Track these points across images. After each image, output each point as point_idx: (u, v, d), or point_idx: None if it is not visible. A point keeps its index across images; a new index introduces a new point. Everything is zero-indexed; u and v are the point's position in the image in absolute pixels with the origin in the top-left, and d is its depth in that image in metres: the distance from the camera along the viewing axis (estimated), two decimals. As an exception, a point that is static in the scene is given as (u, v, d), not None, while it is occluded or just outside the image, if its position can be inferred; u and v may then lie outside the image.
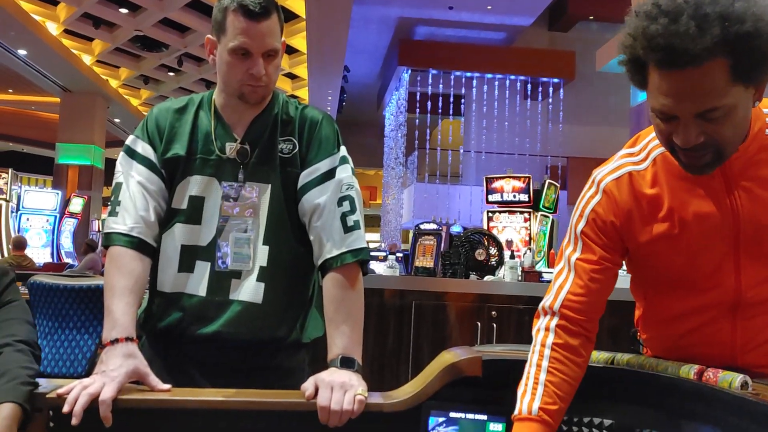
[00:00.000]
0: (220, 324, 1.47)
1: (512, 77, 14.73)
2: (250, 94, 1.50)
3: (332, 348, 1.39)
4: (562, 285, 1.27)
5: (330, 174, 1.52)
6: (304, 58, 12.46)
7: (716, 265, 1.22)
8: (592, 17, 13.97)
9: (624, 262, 1.36)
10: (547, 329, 1.25)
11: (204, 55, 11.44)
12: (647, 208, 1.24)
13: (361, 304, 1.47)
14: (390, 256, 5.60)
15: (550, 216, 8.63)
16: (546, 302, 1.28)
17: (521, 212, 8.57)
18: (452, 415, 1.27)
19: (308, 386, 1.27)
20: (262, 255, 1.51)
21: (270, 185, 1.53)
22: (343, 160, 1.55)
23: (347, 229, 1.48)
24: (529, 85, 15.02)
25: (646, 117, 7.06)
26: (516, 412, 1.19)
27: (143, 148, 1.52)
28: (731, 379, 1.08)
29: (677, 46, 1.02)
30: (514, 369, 1.31)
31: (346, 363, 1.35)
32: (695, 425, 1.14)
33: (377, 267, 5.63)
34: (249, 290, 1.49)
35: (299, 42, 11.84)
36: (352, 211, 1.50)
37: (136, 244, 1.45)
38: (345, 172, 1.53)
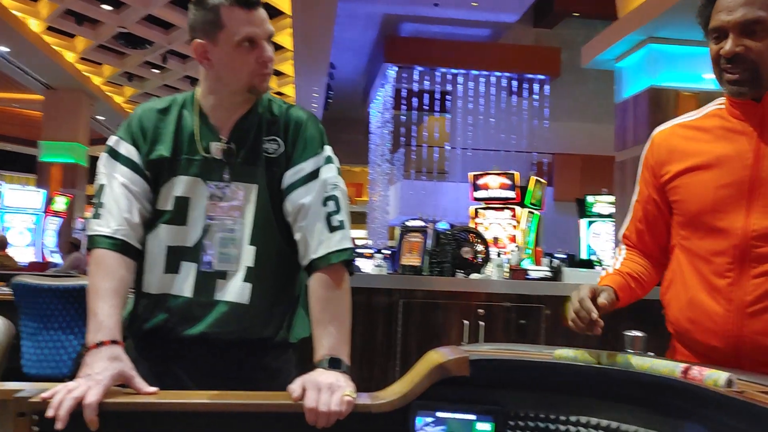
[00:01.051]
0: (207, 324, 1.47)
1: (498, 74, 14.76)
2: (261, 84, 1.51)
3: (319, 349, 1.38)
4: (625, 222, 1.62)
5: (314, 174, 1.51)
6: (290, 55, 12.41)
7: (729, 205, 1.35)
8: (577, 14, 14.03)
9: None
10: (618, 250, 1.62)
11: (189, 52, 11.35)
12: (682, 148, 1.45)
13: (348, 303, 1.46)
14: (377, 255, 5.61)
15: (537, 212, 8.66)
16: (619, 234, 1.65)
17: (507, 209, 8.60)
18: (439, 414, 1.27)
19: (295, 387, 1.26)
20: (248, 255, 1.50)
21: (256, 185, 1.52)
22: (328, 160, 1.54)
23: (332, 229, 1.48)
24: (514, 82, 15.06)
25: (631, 112, 7.10)
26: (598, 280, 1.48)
27: (126, 150, 1.51)
28: (717, 378, 1.09)
29: None
30: (502, 368, 1.31)
31: (334, 364, 1.34)
32: (681, 423, 1.15)
33: (365, 265, 5.63)
34: (235, 290, 1.49)
35: (285, 39, 11.79)
36: (337, 210, 1.50)
37: (120, 246, 1.44)
38: (330, 172, 1.53)
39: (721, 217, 1.35)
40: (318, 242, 1.47)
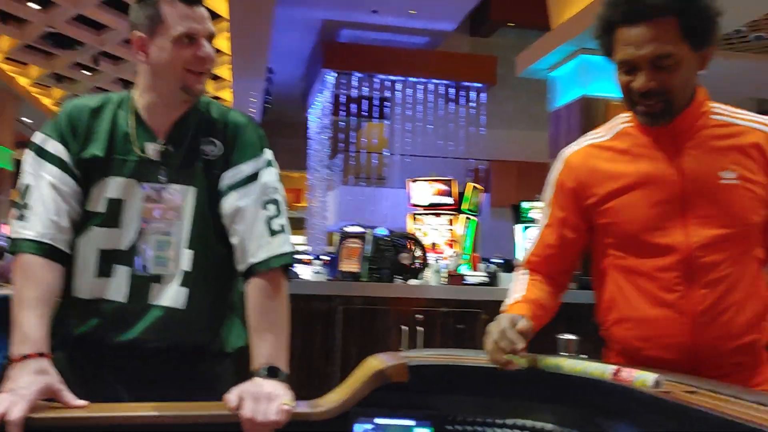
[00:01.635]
0: (140, 330, 1.42)
1: (435, 81, 14.92)
2: (195, 84, 1.47)
3: (257, 357, 1.36)
4: (531, 248, 1.58)
5: (254, 177, 1.49)
6: (227, 58, 12.24)
7: (665, 221, 1.37)
8: (512, 24, 14.32)
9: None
10: (522, 273, 1.57)
11: (122, 54, 11.05)
12: (602, 169, 1.44)
13: (287, 311, 1.44)
14: (316, 261, 5.57)
15: (474, 218, 8.79)
16: (521, 258, 1.60)
17: (445, 215, 8.69)
18: (378, 421, 1.27)
19: (232, 397, 1.24)
20: (185, 259, 1.47)
21: (194, 188, 1.49)
22: (269, 164, 1.52)
23: (273, 233, 1.46)
24: (452, 89, 15.26)
25: (564, 121, 7.29)
26: (503, 306, 1.44)
27: (55, 148, 1.44)
28: (645, 379, 1.12)
29: (637, 3, 1.29)
30: (440, 374, 1.32)
31: (272, 372, 1.33)
32: (613, 424, 1.18)
33: (303, 271, 5.58)
34: (171, 295, 1.45)
35: (222, 43, 11.61)
36: (278, 214, 1.48)
37: (47, 251, 1.38)
38: (270, 176, 1.51)
39: (661, 234, 1.37)
40: (258, 246, 1.44)
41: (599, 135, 1.50)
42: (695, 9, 1.28)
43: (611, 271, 1.47)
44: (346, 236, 4.60)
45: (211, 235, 1.50)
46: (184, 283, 1.46)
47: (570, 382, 1.26)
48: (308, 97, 17.41)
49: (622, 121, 1.47)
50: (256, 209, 1.46)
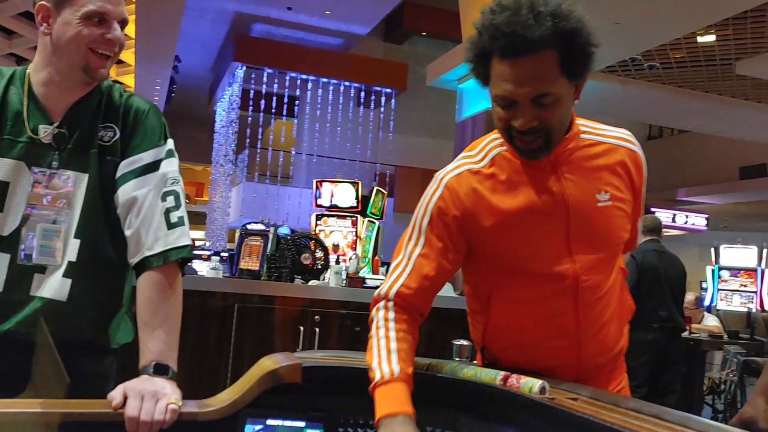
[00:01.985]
0: (16, 321, 1.34)
1: (347, 83, 14.94)
2: (98, 67, 1.39)
3: (145, 354, 1.30)
4: (398, 277, 1.39)
5: (154, 166, 1.43)
6: (132, 42, 11.77)
7: (553, 250, 1.35)
8: (425, 33, 14.56)
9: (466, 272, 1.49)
10: (386, 308, 1.36)
11: (15, 27, 10.38)
12: (486, 200, 1.36)
13: (180, 306, 1.39)
14: (214, 257, 5.44)
15: (377, 222, 8.85)
16: (382, 290, 1.39)
17: (349, 217, 8.70)
18: (269, 422, 1.25)
19: (116, 395, 1.19)
20: (72, 249, 1.39)
21: (87, 175, 1.41)
22: (170, 153, 1.46)
23: (171, 226, 1.40)
24: (362, 93, 15.33)
25: (470, 132, 7.48)
26: (377, 379, 1.23)
27: None
28: (531, 385, 1.16)
29: (518, 33, 1.21)
30: (334, 375, 1.32)
31: (160, 370, 1.28)
32: (503, 428, 1.22)
33: (200, 267, 5.44)
34: (53, 286, 1.37)
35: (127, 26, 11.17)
36: (177, 206, 1.42)
37: None
38: (171, 166, 1.45)
39: (549, 263, 1.35)
40: (154, 238, 1.38)
41: (475, 159, 1.41)
42: (575, 43, 1.24)
43: (497, 300, 1.43)
44: (247, 233, 4.52)
45: (102, 225, 1.43)
46: (67, 274, 1.38)
47: (463, 387, 1.29)
48: (216, 89, 17.01)
49: (496, 144, 1.41)
50: (154, 200, 1.40)
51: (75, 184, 1.40)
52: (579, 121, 1.41)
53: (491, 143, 1.42)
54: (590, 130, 1.42)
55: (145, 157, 1.43)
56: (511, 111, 1.28)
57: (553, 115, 1.27)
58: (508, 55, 1.23)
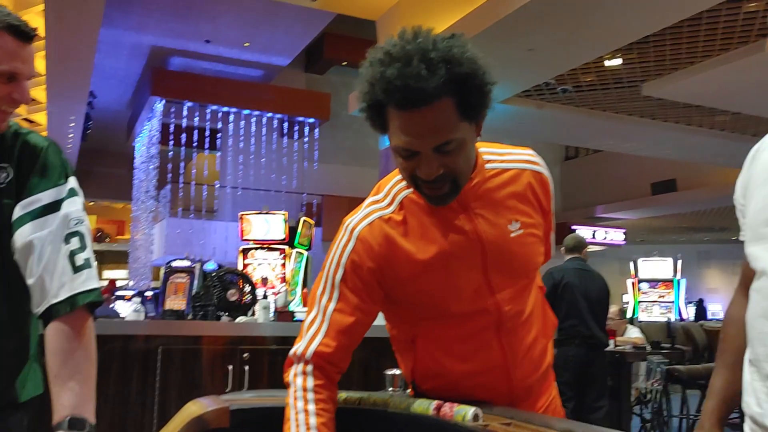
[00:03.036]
0: None
1: (269, 115, 14.85)
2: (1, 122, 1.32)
3: (58, 409, 1.22)
4: (315, 334, 1.30)
5: (54, 206, 1.34)
6: (42, 79, 11.36)
7: (474, 288, 1.32)
8: (345, 63, 14.69)
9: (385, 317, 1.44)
10: (304, 373, 1.28)
11: None
12: (402, 249, 1.31)
13: (93, 354, 1.30)
14: (136, 297, 5.25)
15: (305, 253, 8.77)
16: (298, 349, 1.30)
17: (276, 249, 8.59)
18: (197, 472, 1.19)
19: None
20: None
21: None
22: (72, 192, 1.38)
23: (76, 269, 1.31)
24: (285, 124, 15.27)
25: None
26: None
27: None
28: (465, 413, 1.16)
29: (412, 86, 1.15)
30: (265, 417, 1.28)
31: (75, 425, 1.19)
32: (435, 459, 1.20)
33: (122, 309, 5.23)
34: None
35: (37, 62, 10.78)
36: (83, 248, 1.33)
37: None
38: (74, 206, 1.36)
39: (471, 302, 1.33)
40: (60, 284, 1.29)
41: (383, 205, 1.36)
42: (472, 86, 1.20)
43: (421, 341, 1.40)
44: (172, 271, 4.38)
45: (2, 272, 1.34)
46: None
47: (395, 419, 1.27)
48: (134, 124, 16.59)
49: (402, 187, 1.36)
50: (56, 243, 1.31)
51: None
52: (482, 148, 1.39)
53: (396, 186, 1.37)
54: (495, 157, 1.39)
55: (44, 198, 1.34)
56: (413, 161, 1.23)
57: (458, 159, 1.24)
58: (405, 107, 1.18)
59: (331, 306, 1.31)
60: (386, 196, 1.37)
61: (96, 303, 1.34)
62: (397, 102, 1.18)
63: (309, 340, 1.29)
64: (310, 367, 1.28)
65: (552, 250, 1.54)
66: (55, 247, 1.31)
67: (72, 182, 1.40)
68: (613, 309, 6.63)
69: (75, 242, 1.33)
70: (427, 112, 1.17)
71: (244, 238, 8.75)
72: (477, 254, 1.32)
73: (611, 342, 5.86)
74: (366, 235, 1.32)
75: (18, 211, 1.33)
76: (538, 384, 1.47)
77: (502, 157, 1.40)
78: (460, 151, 1.23)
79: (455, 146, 1.22)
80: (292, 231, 8.64)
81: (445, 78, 1.16)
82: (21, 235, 1.31)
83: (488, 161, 1.37)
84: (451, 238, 1.31)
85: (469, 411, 1.15)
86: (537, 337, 1.43)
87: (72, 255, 1.32)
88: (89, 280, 1.32)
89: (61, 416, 1.20)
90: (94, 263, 1.37)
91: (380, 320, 1.45)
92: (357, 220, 1.35)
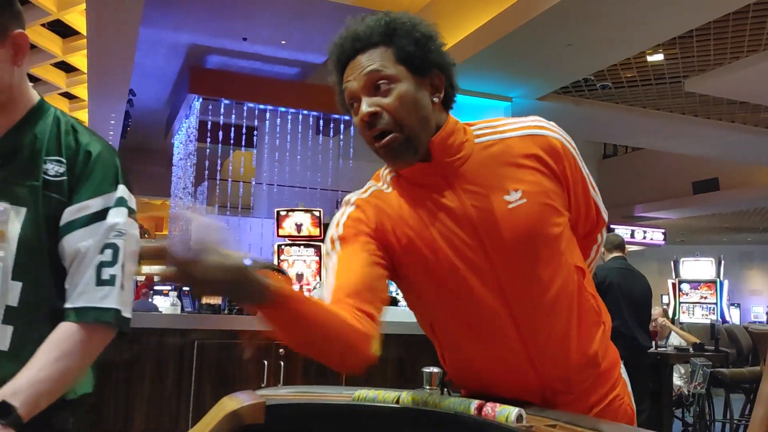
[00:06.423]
0: None
1: (305, 112, 14.93)
2: None
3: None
4: (325, 287, 1.28)
5: (101, 215, 1.31)
6: (84, 77, 11.59)
7: (470, 267, 1.25)
8: (381, 60, 14.68)
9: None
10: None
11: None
12: (396, 220, 1.29)
13: (72, 364, 1.25)
14: (172, 292, 5.30)
15: (340, 250, 8.78)
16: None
17: (312, 246, 8.62)
18: (232, 468, 1.17)
19: None
20: (11, 292, 1.27)
21: (24, 208, 1.29)
22: (120, 202, 1.34)
23: (100, 282, 1.28)
24: (321, 121, 15.33)
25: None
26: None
27: None
28: (508, 414, 1.11)
29: (350, 37, 1.27)
30: (301, 413, 1.25)
31: (2, 410, 1.13)
32: (476, 461, 1.16)
33: (161, 303, 5.30)
34: None
35: (79, 60, 11.00)
36: (113, 263, 1.29)
37: None
38: (119, 216, 1.33)
39: (470, 281, 1.26)
40: (81, 291, 1.27)
41: (378, 185, 1.37)
42: (402, 33, 1.24)
43: (438, 327, 1.37)
44: (207, 267, 4.40)
45: (45, 267, 1.31)
46: (7, 320, 1.27)
47: (435, 418, 1.23)
48: (173, 122, 16.83)
49: (387, 171, 1.37)
50: (93, 252, 1.29)
51: (7, 218, 1.29)
52: (475, 126, 1.33)
53: (385, 170, 1.38)
54: (487, 130, 1.33)
55: (93, 205, 1.31)
56: (357, 111, 1.26)
57: (398, 103, 1.22)
58: (347, 58, 1.27)
59: (334, 258, 1.29)
60: (381, 179, 1.39)
61: (111, 325, 1.29)
62: (338, 57, 1.29)
63: (322, 296, 1.26)
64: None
65: (605, 216, 1.44)
66: (92, 255, 1.29)
67: (121, 191, 1.36)
68: (656, 310, 6.49)
69: (108, 254, 1.30)
70: (362, 57, 1.25)
71: (280, 234, 8.79)
72: (468, 232, 1.25)
73: (653, 343, 5.74)
74: (362, 202, 1.34)
75: (67, 216, 1.31)
76: (584, 378, 1.34)
77: (496, 128, 1.33)
78: (399, 96, 1.22)
79: (391, 86, 1.23)
80: (327, 228, 8.66)
81: (382, 29, 1.25)
82: (69, 242, 1.30)
83: (479, 135, 1.31)
84: (440, 216, 1.26)
85: (513, 411, 1.11)
86: (572, 323, 1.30)
87: (100, 266, 1.29)
88: (107, 299, 1.28)
89: None
90: (123, 282, 1.31)
91: (412, 316, 1.40)
92: (356, 194, 1.38)
